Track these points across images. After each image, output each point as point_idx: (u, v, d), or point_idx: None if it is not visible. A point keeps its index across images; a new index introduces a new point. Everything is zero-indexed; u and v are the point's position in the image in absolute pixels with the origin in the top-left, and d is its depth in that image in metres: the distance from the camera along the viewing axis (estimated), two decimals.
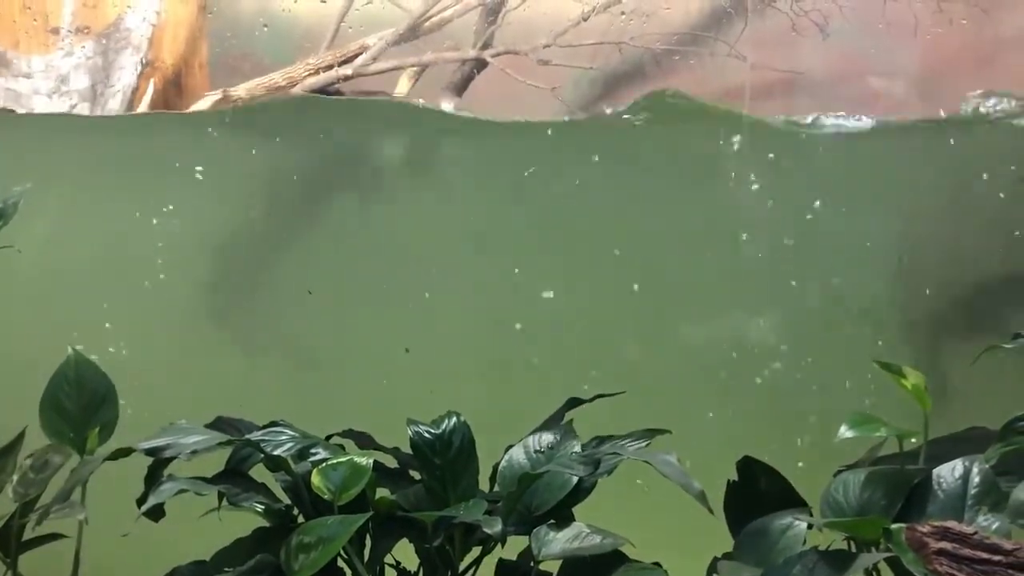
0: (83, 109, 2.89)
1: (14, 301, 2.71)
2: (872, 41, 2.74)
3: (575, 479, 1.74)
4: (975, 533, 1.36)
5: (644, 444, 1.74)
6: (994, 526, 1.51)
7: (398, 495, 1.81)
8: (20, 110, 2.84)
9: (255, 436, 1.80)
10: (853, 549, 1.64)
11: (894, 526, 1.51)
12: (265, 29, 2.77)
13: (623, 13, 2.70)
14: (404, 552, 1.80)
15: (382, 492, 1.80)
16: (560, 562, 1.69)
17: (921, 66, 2.78)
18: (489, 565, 1.80)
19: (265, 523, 1.80)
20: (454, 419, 1.85)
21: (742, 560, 1.66)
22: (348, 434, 1.98)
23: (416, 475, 1.86)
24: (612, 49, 2.75)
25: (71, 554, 1.88)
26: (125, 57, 2.88)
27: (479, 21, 2.86)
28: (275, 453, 1.75)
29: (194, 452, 1.70)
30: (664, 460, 1.63)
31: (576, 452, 1.79)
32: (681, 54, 2.77)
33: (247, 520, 1.79)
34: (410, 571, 1.82)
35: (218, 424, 1.89)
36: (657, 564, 1.66)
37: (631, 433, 1.80)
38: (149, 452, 1.73)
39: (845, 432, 1.70)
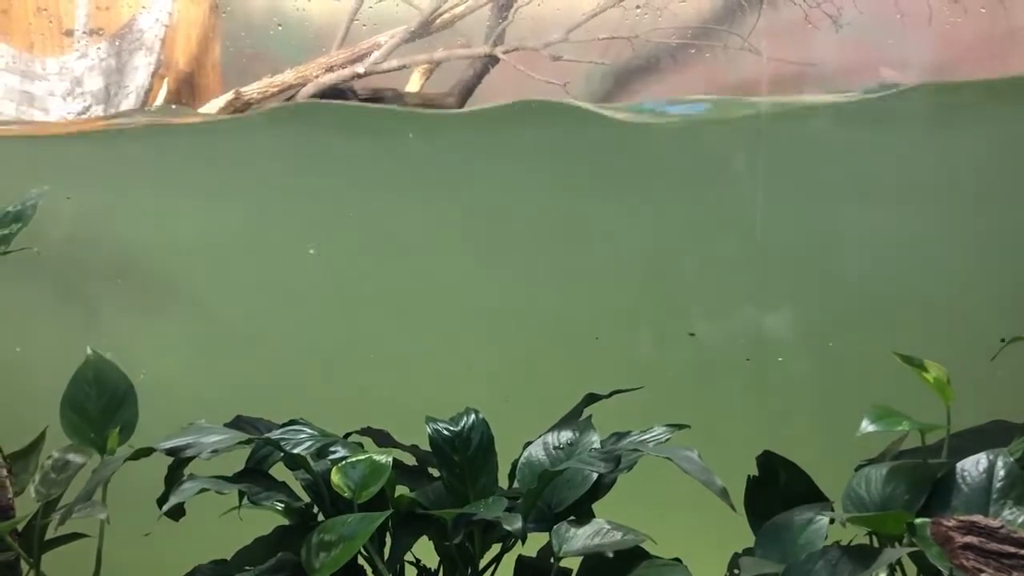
0: (97, 111, 2.89)
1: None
2: (886, 32, 2.72)
3: (595, 475, 1.73)
4: (1002, 527, 1.34)
5: (664, 439, 1.73)
6: (1020, 520, 1.50)
7: (417, 493, 1.81)
8: (36, 112, 2.85)
9: (275, 435, 1.80)
10: (876, 544, 1.63)
11: (918, 520, 1.50)
12: (280, 28, 2.77)
13: (637, 7, 2.69)
14: (424, 550, 1.80)
15: (401, 490, 1.80)
16: (580, 559, 1.69)
17: (935, 57, 2.76)
18: (509, 562, 1.80)
19: (285, 521, 1.80)
20: (472, 416, 1.84)
21: (763, 556, 1.66)
22: (366, 432, 1.98)
23: (435, 472, 1.86)
24: (625, 44, 2.73)
25: (93, 553, 1.89)
26: (138, 58, 2.89)
27: (491, 17, 2.85)
28: (295, 451, 1.75)
29: (215, 451, 1.70)
30: (685, 456, 1.62)
31: (595, 448, 1.79)
32: (695, 47, 2.76)
33: (268, 519, 1.79)
34: (430, 569, 1.81)
35: (238, 423, 1.89)
36: (678, 560, 1.65)
37: (651, 428, 1.79)
38: (170, 452, 1.73)
39: (867, 426, 1.69)
